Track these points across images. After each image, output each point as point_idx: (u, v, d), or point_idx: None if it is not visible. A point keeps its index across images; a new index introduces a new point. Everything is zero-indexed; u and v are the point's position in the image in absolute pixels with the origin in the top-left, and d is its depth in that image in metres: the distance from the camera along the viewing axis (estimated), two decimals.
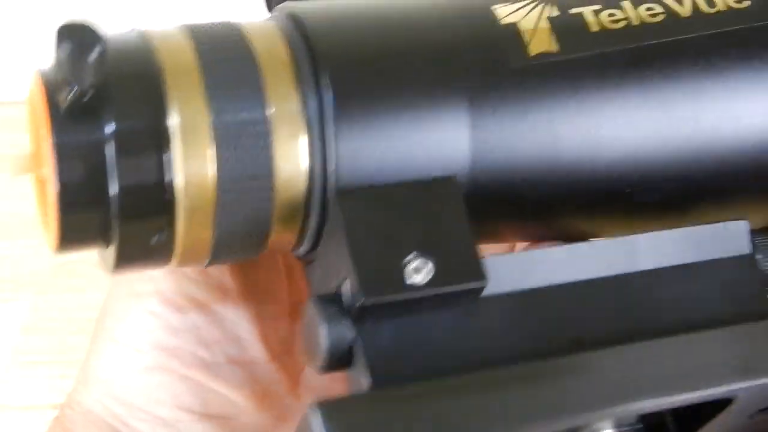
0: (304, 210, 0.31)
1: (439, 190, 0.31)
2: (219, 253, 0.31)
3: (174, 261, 0.31)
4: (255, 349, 0.37)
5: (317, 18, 0.32)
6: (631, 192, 0.34)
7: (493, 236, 0.34)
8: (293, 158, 0.30)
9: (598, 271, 0.33)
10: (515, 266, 0.32)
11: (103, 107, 0.29)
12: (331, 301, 0.30)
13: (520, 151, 0.32)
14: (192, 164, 0.30)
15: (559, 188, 0.33)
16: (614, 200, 0.34)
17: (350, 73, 0.31)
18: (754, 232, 0.35)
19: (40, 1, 0.88)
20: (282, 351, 0.38)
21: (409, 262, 0.30)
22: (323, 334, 0.30)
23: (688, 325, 0.33)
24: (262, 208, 0.30)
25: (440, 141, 0.31)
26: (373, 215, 0.31)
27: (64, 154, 0.29)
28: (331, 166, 0.31)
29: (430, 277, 0.30)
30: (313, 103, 0.31)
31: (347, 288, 0.30)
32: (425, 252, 0.30)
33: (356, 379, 0.30)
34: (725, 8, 0.34)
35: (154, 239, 0.30)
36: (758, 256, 0.34)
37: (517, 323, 0.32)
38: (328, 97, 0.31)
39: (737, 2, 0.34)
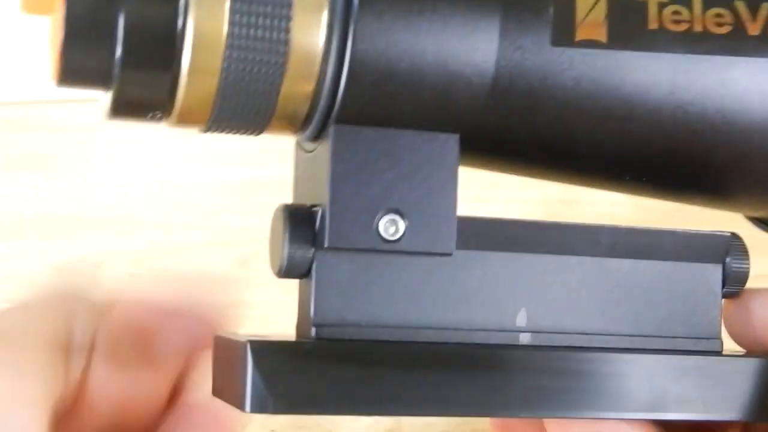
0: (314, 91, 0.30)
1: (438, 149, 0.31)
2: (221, 113, 0.30)
3: (174, 115, 0.30)
4: None
5: None
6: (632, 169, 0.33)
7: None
8: (311, 32, 0.29)
9: (564, 248, 0.33)
10: (484, 229, 0.32)
11: None
12: (302, 220, 0.30)
13: (522, 127, 0.31)
14: (205, 13, 0.28)
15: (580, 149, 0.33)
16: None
17: None
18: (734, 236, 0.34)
19: None
20: None
21: (384, 215, 0.30)
22: (285, 252, 0.30)
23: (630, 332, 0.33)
24: (270, 73, 0.29)
25: (466, 53, 0.30)
26: (364, 157, 0.30)
27: None
28: (348, 45, 0.29)
29: (399, 235, 0.30)
30: None
31: (319, 217, 0.30)
32: (403, 209, 0.30)
33: (304, 304, 0.31)
34: None
35: (155, 85, 0.29)
36: (728, 259, 0.34)
37: (482, 287, 0.32)
38: None
39: None
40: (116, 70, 0.29)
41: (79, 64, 0.29)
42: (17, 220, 0.78)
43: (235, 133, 0.31)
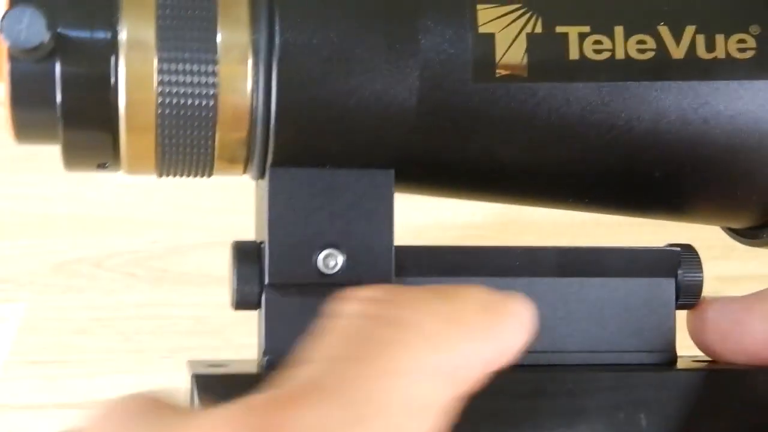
0: (248, 137, 0.31)
1: (373, 184, 0.32)
2: (165, 162, 0.32)
3: (123, 166, 0.32)
4: None
5: None
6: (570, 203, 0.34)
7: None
8: (237, 83, 0.30)
9: (509, 271, 0.34)
10: (425, 257, 0.33)
11: (58, 15, 0.30)
12: (250, 257, 0.32)
13: (454, 159, 0.32)
14: (135, 72, 0.30)
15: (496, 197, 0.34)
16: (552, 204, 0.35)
17: (302, 16, 0.31)
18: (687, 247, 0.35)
19: None
20: None
21: (322, 250, 0.32)
22: (234, 287, 0.32)
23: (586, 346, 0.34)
24: (203, 125, 0.31)
25: (385, 116, 0.31)
26: (300, 197, 0.32)
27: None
28: (273, 95, 0.31)
29: (337, 268, 0.32)
30: (263, 35, 0.30)
31: (263, 255, 0.32)
32: (340, 243, 0.32)
33: (260, 336, 0.32)
34: (723, 56, 0.31)
35: (98, 141, 0.31)
36: (680, 272, 0.34)
37: None
38: (276, 29, 0.30)
39: (740, 51, 0.32)
40: (59, 129, 0.31)
41: (28, 126, 0.31)
42: (17, 220, 0.78)
43: (187, 176, 0.33)
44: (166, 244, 0.76)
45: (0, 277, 0.75)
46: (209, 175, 0.33)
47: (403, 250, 0.33)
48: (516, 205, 0.36)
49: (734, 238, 0.37)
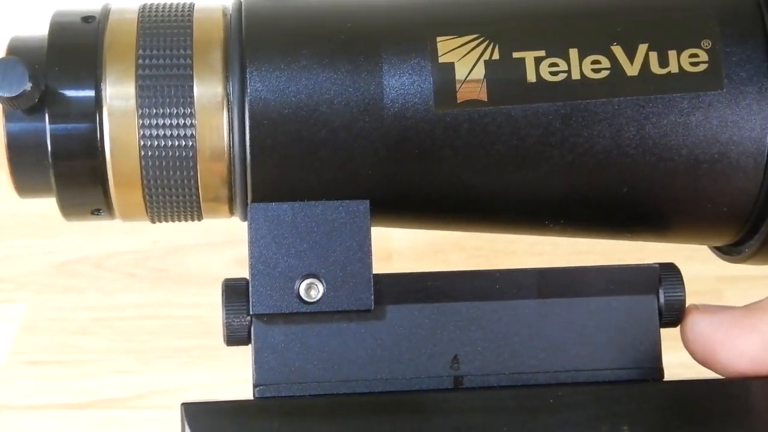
0: (228, 176, 0.33)
1: (349, 215, 0.33)
2: (154, 206, 0.34)
3: (116, 214, 0.34)
4: None
5: (259, 4, 0.34)
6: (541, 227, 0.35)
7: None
8: (214, 130, 0.33)
9: (489, 295, 0.34)
10: (404, 284, 0.34)
11: (45, 74, 0.32)
12: (237, 293, 0.33)
13: (425, 187, 0.33)
14: (118, 126, 0.32)
15: (464, 227, 0.35)
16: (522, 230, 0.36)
17: (270, 60, 0.32)
18: (668, 266, 0.35)
19: (39, 2, 0.88)
20: None
21: (303, 280, 0.33)
22: (224, 323, 0.33)
23: (571, 366, 0.34)
24: (185, 165, 0.33)
25: (354, 170, 0.33)
26: (280, 231, 0.33)
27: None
28: (246, 140, 0.32)
29: (318, 296, 0.33)
30: (235, 84, 0.32)
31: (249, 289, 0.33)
32: (320, 273, 0.33)
33: (252, 367, 0.34)
34: (677, 70, 0.32)
35: (90, 193, 0.33)
36: (661, 289, 0.35)
37: (410, 338, 0.34)
38: (246, 78, 0.32)
39: (693, 65, 0.32)
40: (52, 185, 0.33)
41: (26, 179, 0.34)
42: (17, 220, 0.78)
43: (178, 220, 0.35)
44: (166, 244, 0.76)
45: (0, 277, 0.75)
46: (199, 218, 0.35)
47: (382, 277, 0.34)
48: (495, 233, 0.36)
49: (720, 257, 0.37)
